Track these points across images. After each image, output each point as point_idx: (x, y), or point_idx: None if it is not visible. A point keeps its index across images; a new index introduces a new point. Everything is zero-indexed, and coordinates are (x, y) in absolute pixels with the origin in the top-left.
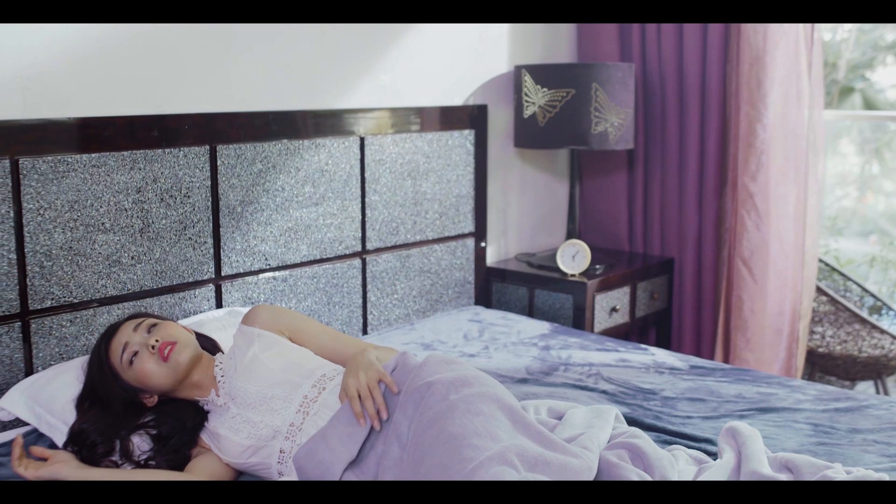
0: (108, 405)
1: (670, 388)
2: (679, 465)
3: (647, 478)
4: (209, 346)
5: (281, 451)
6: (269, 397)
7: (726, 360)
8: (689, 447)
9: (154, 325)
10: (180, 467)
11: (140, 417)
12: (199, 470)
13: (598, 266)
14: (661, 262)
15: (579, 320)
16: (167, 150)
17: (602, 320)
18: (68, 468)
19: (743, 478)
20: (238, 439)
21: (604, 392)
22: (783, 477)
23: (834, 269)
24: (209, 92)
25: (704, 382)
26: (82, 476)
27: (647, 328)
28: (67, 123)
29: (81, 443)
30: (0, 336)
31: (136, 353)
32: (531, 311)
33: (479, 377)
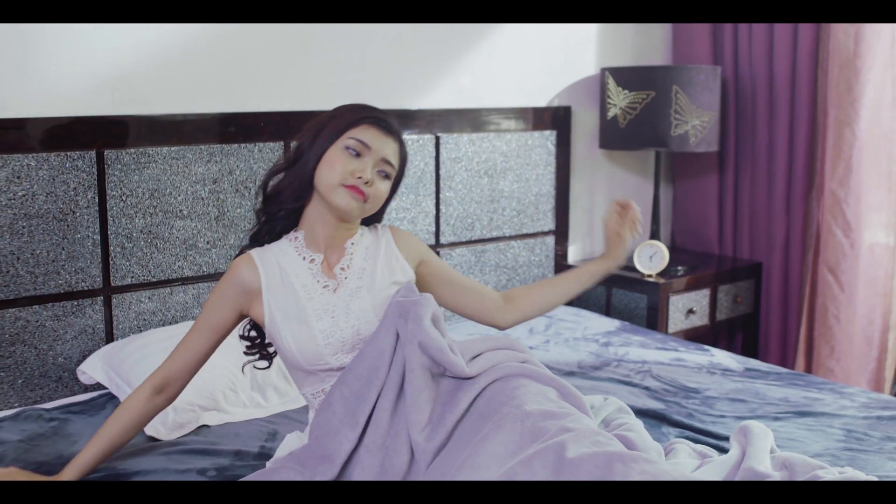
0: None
1: (716, 388)
2: (679, 458)
3: None
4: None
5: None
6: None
7: (809, 368)
8: (705, 443)
9: (384, 178)
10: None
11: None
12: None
13: (679, 267)
14: (748, 266)
15: (653, 320)
16: (243, 145)
17: (677, 321)
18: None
19: (739, 474)
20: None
21: (646, 388)
22: (777, 475)
23: None
24: (285, 91)
25: (753, 385)
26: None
27: (735, 332)
28: (150, 119)
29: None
30: (84, 308)
31: (356, 155)
32: (608, 310)
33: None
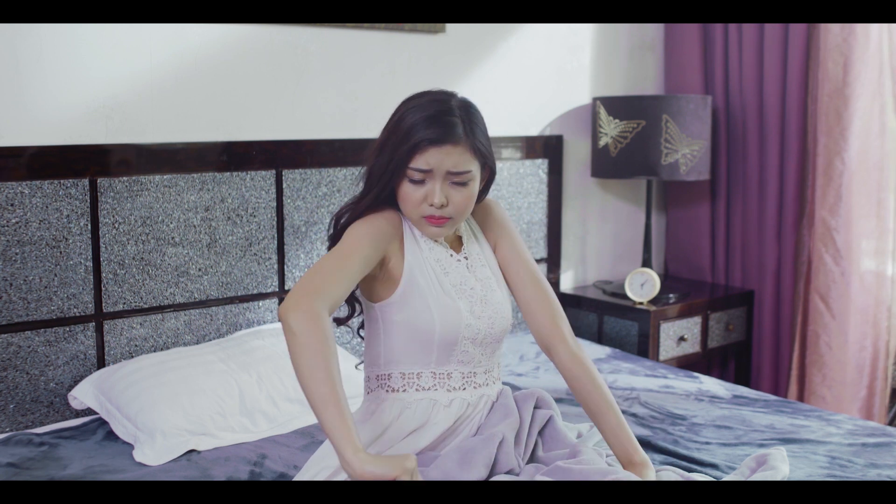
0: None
1: (703, 415)
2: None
3: None
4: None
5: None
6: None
7: (801, 396)
8: (689, 470)
9: (460, 186)
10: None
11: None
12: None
13: (671, 295)
14: (740, 294)
15: (644, 347)
16: (235, 174)
17: (669, 349)
18: None
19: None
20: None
21: (634, 415)
22: None
23: None
24: (277, 120)
25: (740, 412)
26: None
27: (727, 360)
28: (143, 148)
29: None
30: (76, 334)
31: (421, 182)
32: (600, 338)
33: None
